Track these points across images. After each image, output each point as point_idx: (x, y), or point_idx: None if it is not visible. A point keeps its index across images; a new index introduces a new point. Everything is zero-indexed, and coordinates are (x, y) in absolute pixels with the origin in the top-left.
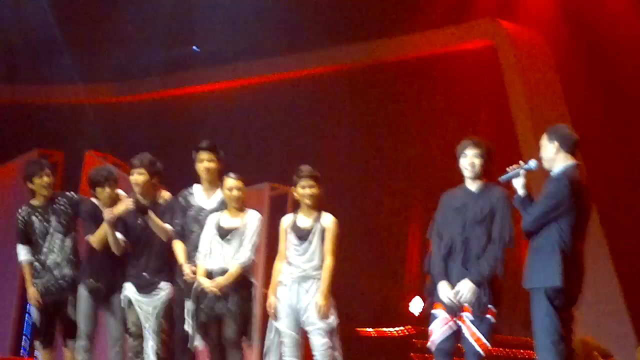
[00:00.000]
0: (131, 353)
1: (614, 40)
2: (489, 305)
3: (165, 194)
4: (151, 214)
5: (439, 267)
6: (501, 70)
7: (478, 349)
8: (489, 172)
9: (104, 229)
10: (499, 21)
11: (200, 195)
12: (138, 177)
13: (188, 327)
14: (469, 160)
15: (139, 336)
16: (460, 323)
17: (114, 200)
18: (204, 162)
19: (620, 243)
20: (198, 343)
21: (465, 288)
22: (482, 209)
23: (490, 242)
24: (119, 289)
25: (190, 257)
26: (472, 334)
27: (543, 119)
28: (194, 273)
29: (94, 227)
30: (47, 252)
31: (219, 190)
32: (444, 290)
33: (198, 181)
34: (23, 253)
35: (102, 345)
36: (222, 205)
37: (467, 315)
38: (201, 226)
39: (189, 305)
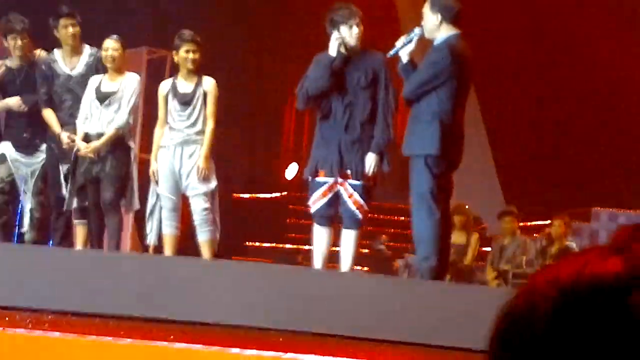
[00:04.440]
0: None
1: None
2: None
3: (42, 53)
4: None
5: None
6: None
7: (358, 213)
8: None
9: None
10: None
11: (63, 62)
12: (11, 42)
13: (65, 190)
14: (357, 29)
15: (5, 193)
16: (340, 188)
17: None
18: (68, 28)
19: (493, 112)
20: (75, 206)
21: (372, 161)
22: (366, 75)
23: (378, 109)
24: None
25: (65, 124)
26: (353, 200)
27: None
28: (72, 140)
29: None
30: None
31: (82, 55)
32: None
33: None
34: None
35: None
36: (90, 69)
37: (350, 182)
38: (71, 93)
39: (64, 169)
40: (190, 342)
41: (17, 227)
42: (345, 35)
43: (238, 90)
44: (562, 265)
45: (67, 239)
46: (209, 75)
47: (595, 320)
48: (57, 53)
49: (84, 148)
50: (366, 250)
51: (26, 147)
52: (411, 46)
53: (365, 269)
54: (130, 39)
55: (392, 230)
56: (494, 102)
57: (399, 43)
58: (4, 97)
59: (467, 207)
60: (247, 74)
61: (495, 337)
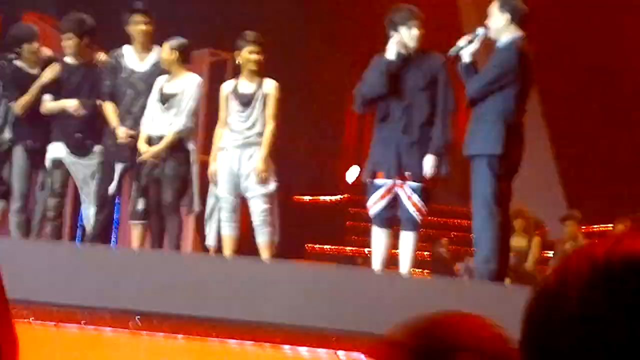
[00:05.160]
0: (52, 212)
1: None
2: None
3: (102, 56)
4: None
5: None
6: None
7: (416, 215)
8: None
9: (29, 95)
10: None
11: (132, 58)
12: (66, 42)
13: (113, 189)
14: (417, 31)
15: (62, 196)
16: (399, 190)
17: (39, 58)
18: (140, 25)
19: (557, 115)
20: (140, 206)
21: (430, 163)
22: (424, 77)
23: (436, 110)
24: None
25: (123, 120)
26: (412, 202)
27: None
28: (129, 136)
29: (16, 91)
30: None
31: (152, 53)
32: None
33: (129, 42)
34: None
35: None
36: (155, 68)
37: (408, 184)
38: (134, 89)
39: (118, 167)
40: (248, 340)
41: (79, 229)
42: (404, 37)
43: (299, 91)
44: (595, 244)
45: (109, 237)
46: (270, 76)
47: (627, 295)
48: (126, 48)
49: (145, 151)
50: (427, 254)
51: (79, 149)
52: (474, 46)
53: (426, 272)
54: (194, 41)
55: (453, 233)
56: (558, 104)
57: (461, 42)
58: (58, 97)
59: (528, 210)
60: (308, 75)
61: (529, 314)
